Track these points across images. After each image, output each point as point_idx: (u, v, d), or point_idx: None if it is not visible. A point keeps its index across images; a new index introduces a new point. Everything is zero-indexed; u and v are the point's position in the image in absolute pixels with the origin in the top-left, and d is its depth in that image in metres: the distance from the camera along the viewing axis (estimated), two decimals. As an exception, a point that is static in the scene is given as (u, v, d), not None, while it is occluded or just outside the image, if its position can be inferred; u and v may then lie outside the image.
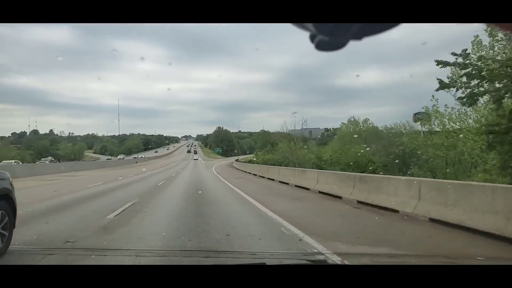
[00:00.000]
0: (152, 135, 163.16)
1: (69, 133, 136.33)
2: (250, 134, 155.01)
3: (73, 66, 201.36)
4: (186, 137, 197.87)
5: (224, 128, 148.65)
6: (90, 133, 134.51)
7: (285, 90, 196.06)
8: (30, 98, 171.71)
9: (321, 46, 0.75)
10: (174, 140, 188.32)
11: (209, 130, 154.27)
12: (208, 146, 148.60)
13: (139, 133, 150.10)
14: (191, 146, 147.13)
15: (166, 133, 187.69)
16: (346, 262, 4.13)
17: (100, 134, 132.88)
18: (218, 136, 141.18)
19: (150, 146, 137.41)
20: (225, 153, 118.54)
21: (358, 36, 0.74)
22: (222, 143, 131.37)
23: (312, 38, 0.76)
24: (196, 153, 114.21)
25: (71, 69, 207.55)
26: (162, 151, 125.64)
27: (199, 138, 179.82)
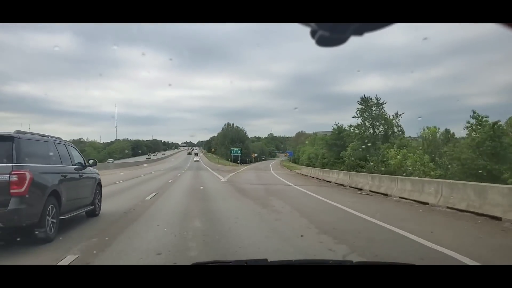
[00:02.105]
0: (145, 140, 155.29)
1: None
2: (258, 138, 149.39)
3: (75, 73, 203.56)
4: (187, 143, 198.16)
5: (235, 125, 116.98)
6: (77, 139, 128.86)
7: (287, 97, 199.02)
8: (31, 106, 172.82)
9: (322, 41, 0.76)
10: (173, 146, 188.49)
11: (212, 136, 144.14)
12: (213, 150, 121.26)
13: (138, 139, 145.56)
14: (192, 150, 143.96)
15: (167, 140, 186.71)
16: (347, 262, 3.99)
17: (94, 140, 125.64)
18: (226, 136, 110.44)
19: (140, 151, 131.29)
20: (236, 159, 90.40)
21: (359, 32, 0.75)
22: (233, 145, 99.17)
23: (313, 33, 0.76)
24: (197, 155, 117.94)
25: (72, 77, 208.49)
26: (140, 159, 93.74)
27: (201, 144, 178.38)
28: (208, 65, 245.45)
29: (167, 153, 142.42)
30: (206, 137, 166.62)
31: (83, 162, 7.71)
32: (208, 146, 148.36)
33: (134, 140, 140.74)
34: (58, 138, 7.11)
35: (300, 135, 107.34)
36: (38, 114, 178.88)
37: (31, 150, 5.65)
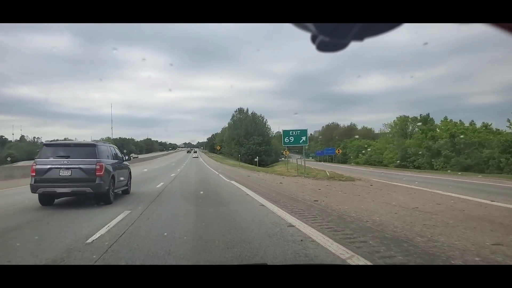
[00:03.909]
0: (137, 140, 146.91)
1: (34, 137, 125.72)
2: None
3: (74, 75, 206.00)
4: (186, 144, 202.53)
5: (251, 112, 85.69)
6: (62, 138, 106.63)
7: (288, 97, 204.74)
8: (31, 109, 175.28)
9: (322, 47, 0.79)
10: (171, 147, 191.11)
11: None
12: (218, 149, 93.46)
13: (133, 139, 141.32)
14: (191, 149, 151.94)
15: (165, 141, 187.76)
16: (347, 263, 4.41)
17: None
18: (238, 127, 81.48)
19: (125, 151, 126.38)
20: (251, 160, 63.91)
21: (359, 37, 0.78)
22: (250, 140, 74.57)
23: (314, 39, 0.80)
24: (196, 152, 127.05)
25: (72, 78, 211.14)
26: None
27: (201, 145, 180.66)
28: (209, 66, 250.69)
29: (155, 154, 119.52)
30: (206, 139, 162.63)
31: (121, 158, 12.10)
32: (210, 145, 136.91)
33: (120, 138, 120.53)
34: (110, 143, 11.52)
35: (333, 128, 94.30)
36: (38, 117, 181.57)
37: (102, 151, 10.15)
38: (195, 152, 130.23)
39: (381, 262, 4.47)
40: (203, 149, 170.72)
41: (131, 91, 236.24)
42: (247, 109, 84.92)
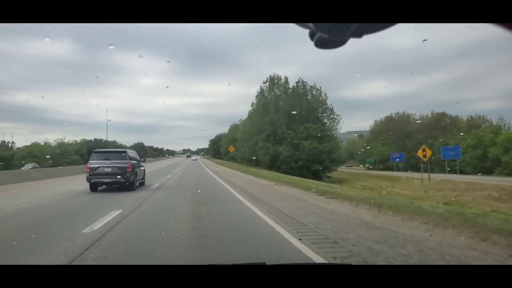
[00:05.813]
0: (114, 141, 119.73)
1: (7, 142, 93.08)
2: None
3: (73, 81, 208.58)
4: (185, 151, 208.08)
5: (297, 81, 48.48)
6: (40, 142, 72.61)
7: None
8: (29, 116, 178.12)
9: (321, 43, 0.81)
10: (167, 153, 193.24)
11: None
12: (230, 150, 56.73)
13: (115, 141, 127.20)
14: (191, 154, 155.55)
15: (165, 147, 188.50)
16: (347, 262, 4.61)
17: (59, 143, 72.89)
18: (273, 110, 46.51)
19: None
20: (301, 169, 39.09)
21: (358, 34, 0.80)
22: (299, 133, 41.00)
23: (312, 35, 0.82)
24: (196, 155, 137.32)
25: (71, 85, 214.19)
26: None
27: (202, 150, 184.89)
28: (209, 71, 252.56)
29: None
30: (207, 145, 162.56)
31: (139, 160, 17.60)
32: (213, 148, 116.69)
33: (95, 139, 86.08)
34: (131, 149, 17.04)
35: (401, 121, 61.63)
36: (36, 124, 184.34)
37: (129, 155, 15.96)
38: (195, 155, 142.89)
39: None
40: (203, 154, 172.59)
41: (130, 97, 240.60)
42: (286, 78, 48.21)
